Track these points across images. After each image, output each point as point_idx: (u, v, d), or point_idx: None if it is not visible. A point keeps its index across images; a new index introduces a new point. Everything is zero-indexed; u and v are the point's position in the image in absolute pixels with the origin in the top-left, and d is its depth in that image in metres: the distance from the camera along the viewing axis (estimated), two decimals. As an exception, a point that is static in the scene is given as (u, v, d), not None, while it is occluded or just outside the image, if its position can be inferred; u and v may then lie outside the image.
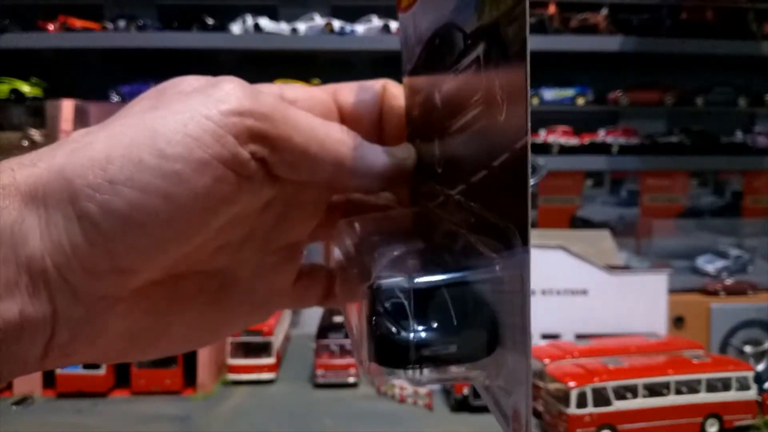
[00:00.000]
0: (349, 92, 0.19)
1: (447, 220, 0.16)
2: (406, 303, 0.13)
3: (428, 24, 0.17)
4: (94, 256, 0.14)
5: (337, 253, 0.19)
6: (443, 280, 0.14)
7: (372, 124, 0.19)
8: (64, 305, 0.14)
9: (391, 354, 0.13)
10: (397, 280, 0.13)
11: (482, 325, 0.13)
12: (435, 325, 0.13)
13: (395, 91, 0.20)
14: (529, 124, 0.11)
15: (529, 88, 0.11)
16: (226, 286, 0.19)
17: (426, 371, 0.13)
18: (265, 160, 0.15)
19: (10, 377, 0.14)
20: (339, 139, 0.17)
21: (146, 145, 0.14)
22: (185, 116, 0.14)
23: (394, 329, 0.13)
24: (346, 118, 0.19)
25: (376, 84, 0.20)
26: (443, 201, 0.17)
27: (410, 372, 0.13)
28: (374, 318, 0.13)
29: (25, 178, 0.14)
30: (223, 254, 0.18)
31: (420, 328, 0.13)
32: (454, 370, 0.14)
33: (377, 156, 0.18)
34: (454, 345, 0.13)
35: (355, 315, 0.16)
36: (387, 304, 0.13)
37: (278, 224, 0.19)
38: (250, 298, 0.20)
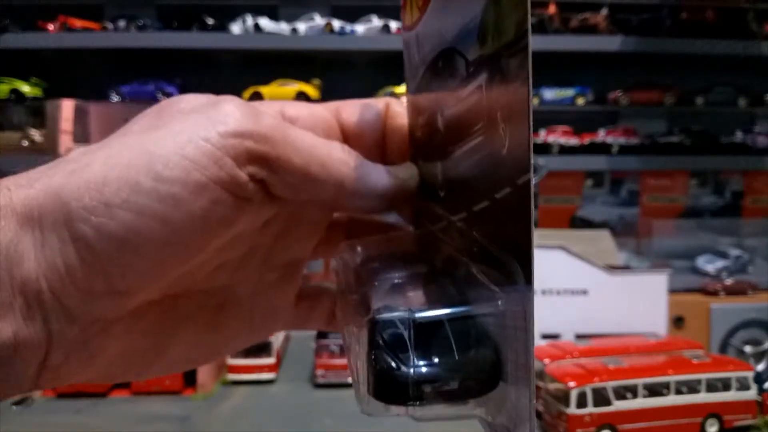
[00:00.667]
0: (351, 110, 0.19)
1: (449, 246, 0.16)
2: (406, 337, 0.13)
3: (431, 46, 0.16)
4: (89, 279, 0.13)
5: (337, 277, 0.19)
6: (445, 314, 0.13)
7: (375, 143, 0.19)
8: (58, 327, 0.14)
9: (391, 389, 0.13)
10: (398, 314, 0.13)
11: (485, 360, 0.13)
12: (436, 359, 0.13)
13: (398, 110, 0.19)
14: (532, 161, 0.11)
15: (531, 124, 0.11)
16: (225, 305, 0.18)
17: (427, 407, 0.13)
18: (265, 181, 0.15)
19: (3, 397, 0.14)
20: (340, 159, 0.17)
21: (143, 167, 0.14)
22: (183, 138, 0.14)
23: (394, 364, 0.13)
24: (348, 136, 0.19)
25: (380, 102, 0.19)
26: (446, 226, 0.16)
27: (410, 408, 0.13)
28: (374, 352, 0.13)
29: (22, 199, 0.13)
30: (222, 273, 0.18)
31: (421, 362, 0.13)
32: (456, 406, 0.13)
33: (379, 176, 0.17)
34: (455, 380, 0.13)
35: (353, 345, 0.15)
36: (387, 338, 0.13)
37: (278, 242, 0.19)
38: (250, 317, 0.19)
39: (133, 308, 0.15)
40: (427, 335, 0.13)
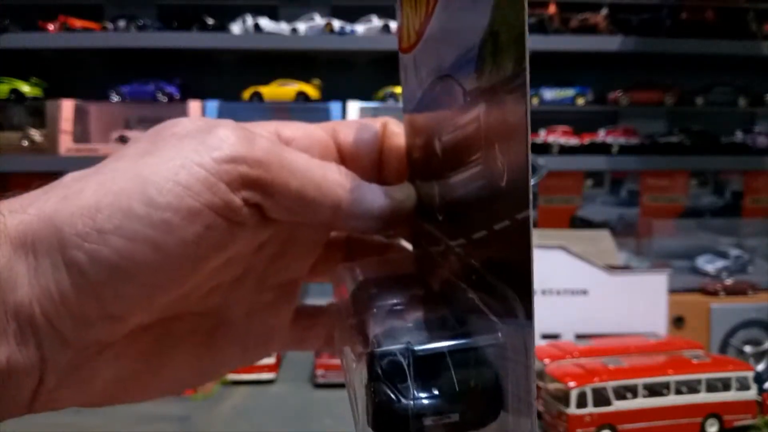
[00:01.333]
0: (348, 130, 0.19)
1: (447, 269, 0.16)
2: (406, 369, 0.13)
3: (428, 71, 0.16)
4: (82, 304, 0.13)
5: (335, 299, 0.19)
6: (445, 346, 0.13)
7: (371, 163, 0.19)
8: (52, 352, 0.14)
9: (391, 422, 0.13)
10: (397, 347, 0.13)
11: (485, 392, 0.13)
12: (436, 391, 0.13)
13: (396, 130, 0.19)
14: (531, 197, 0.11)
15: (530, 158, 0.11)
16: (220, 327, 0.18)
17: None
18: (260, 205, 0.15)
19: None
20: (336, 181, 0.17)
21: (136, 193, 0.14)
22: (177, 163, 0.14)
23: (393, 396, 0.13)
24: (345, 156, 0.19)
25: (376, 122, 0.19)
26: (444, 250, 0.16)
27: None
28: (373, 384, 0.13)
29: (15, 224, 0.13)
30: (216, 294, 0.18)
31: (421, 394, 0.13)
32: None
33: (375, 198, 0.17)
34: (456, 413, 0.13)
35: (351, 375, 0.15)
36: (386, 370, 0.13)
37: (273, 263, 0.19)
38: (245, 338, 0.19)
39: (127, 332, 0.15)
40: (426, 367, 0.13)
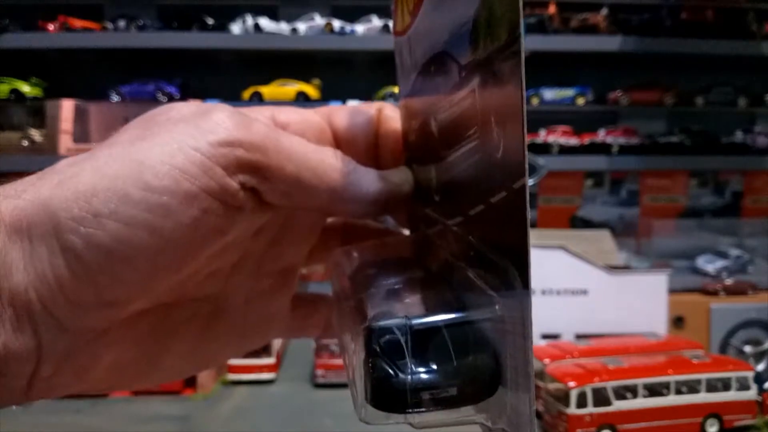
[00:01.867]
0: (343, 115, 0.19)
1: (445, 250, 0.16)
2: (404, 344, 0.13)
3: (423, 51, 0.16)
4: (79, 289, 0.13)
5: (333, 284, 0.18)
6: (442, 320, 0.13)
7: (367, 148, 0.19)
8: (48, 338, 0.14)
9: (389, 397, 0.13)
10: (394, 321, 0.13)
11: (483, 366, 0.13)
12: (434, 366, 0.13)
13: (391, 114, 0.19)
14: (528, 165, 0.11)
15: (526, 129, 0.11)
16: (218, 313, 0.18)
17: (425, 414, 0.13)
18: (256, 189, 0.15)
19: None
20: (332, 165, 0.16)
21: (132, 177, 0.14)
22: (173, 147, 0.14)
23: (391, 371, 0.13)
24: (340, 141, 0.19)
25: (372, 107, 0.19)
26: (441, 230, 0.16)
27: (409, 416, 0.13)
28: (371, 360, 0.13)
29: (10, 210, 0.13)
30: (214, 280, 0.17)
31: (419, 369, 0.13)
32: (455, 412, 0.13)
33: (372, 182, 0.17)
34: (454, 387, 0.13)
35: (350, 352, 0.15)
36: (384, 345, 0.13)
37: (271, 248, 0.18)
38: (243, 325, 0.19)
39: (125, 318, 0.15)
40: (424, 342, 0.13)
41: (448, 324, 0.13)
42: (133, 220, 0.13)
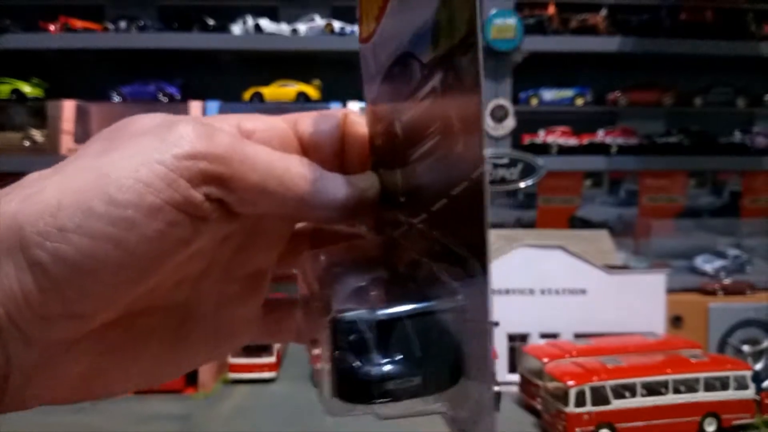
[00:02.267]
0: (309, 121, 0.19)
1: (411, 249, 0.16)
2: (367, 335, 0.13)
3: (387, 54, 0.17)
4: (46, 303, 0.13)
5: (300, 287, 0.19)
6: (405, 311, 0.13)
7: (333, 153, 0.19)
8: (17, 352, 0.14)
9: (355, 388, 0.13)
10: (358, 313, 0.13)
11: (446, 356, 0.13)
12: (398, 357, 0.13)
13: (356, 119, 0.19)
14: (485, 153, 0.11)
15: (483, 117, 0.11)
16: (187, 320, 0.18)
17: (391, 405, 0.13)
18: (222, 199, 0.15)
19: None
20: (298, 173, 0.16)
21: (96, 191, 0.14)
22: (137, 160, 0.14)
23: (356, 363, 0.13)
24: (307, 148, 0.19)
25: (337, 113, 0.19)
26: (407, 230, 0.17)
27: (374, 407, 0.13)
28: (336, 352, 0.13)
29: None
30: (182, 288, 0.18)
31: (383, 360, 0.13)
32: (419, 402, 0.13)
33: (338, 188, 0.17)
34: (418, 377, 0.13)
35: (319, 349, 0.15)
36: (349, 337, 0.13)
37: (239, 254, 0.19)
38: (214, 330, 0.19)
39: (94, 329, 0.15)
40: (388, 333, 0.13)
41: (411, 314, 0.13)
42: (97, 233, 0.13)
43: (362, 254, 0.19)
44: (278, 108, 1.31)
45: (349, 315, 0.13)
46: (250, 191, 0.16)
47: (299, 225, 0.21)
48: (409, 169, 0.16)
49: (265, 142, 0.17)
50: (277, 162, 0.16)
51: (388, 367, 0.13)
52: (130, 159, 0.14)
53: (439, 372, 0.13)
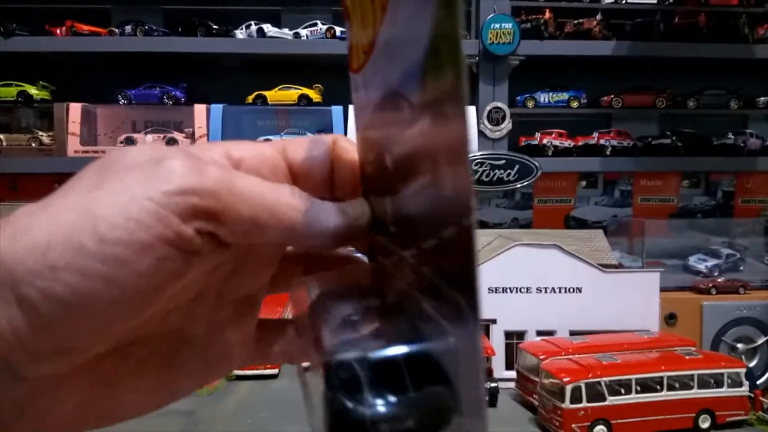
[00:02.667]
0: (298, 148, 0.19)
1: (401, 280, 0.16)
2: (361, 377, 0.13)
3: (377, 88, 0.17)
4: (36, 340, 0.13)
5: (293, 316, 0.18)
6: (400, 354, 0.13)
7: (323, 180, 0.19)
8: (7, 387, 0.14)
9: (348, 430, 0.13)
10: (353, 355, 0.13)
11: (440, 397, 0.13)
12: (392, 398, 0.13)
13: (346, 146, 0.19)
14: (474, 202, 0.11)
15: (471, 168, 0.11)
16: (180, 347, 0.18)
17: None
18: (213, 233, 0.15)
19: None
20: (288, 203, 0.16)
21: (86, 229, 0.14)
22: (126, 197, 0.14)
23: (350, 404, 0.13)
24: (296, 174, 0.19)
25: (327, 139, 0.19)
26: (397, 261, 0.17)
27: None
28: (330, 393, 0.13)
29: None
30: (174, 316, 0.18)
31: (377, 401, 0.13)
32: None
33: (330, 217, 0.17)
34: (411, 419, 0.13)
35: (309, 383, 0.15)
36: (343, 379, 0.13)
37: (230, 279, 0.19)
38: (206, 355, 0.19)
39: (86, 361, 0.15)
40: (382, 374, 0.13)
41: (405, 357, 0.13)
42: (89, 271, 0.13)
43: (352, 281, 0.19)
44: (280, 110, 1.33)
45: (343, 357, 0.13)
46: (241, 224, 0.15)
47: (290, 248, 0.21)
48: (399, 202, 0.16)
49: (254, 169, 0.17)
50: (268, 193, 0.16)
51: (381, 409, 0.13)
52: (120, 195, 0.14)
53: (433, 413, 0.13)
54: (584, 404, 0.89)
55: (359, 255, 0.21)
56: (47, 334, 0.13)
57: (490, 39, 1.24)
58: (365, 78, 0.18)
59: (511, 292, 1.10)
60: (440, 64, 0.12)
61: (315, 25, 1.30)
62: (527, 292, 1.10)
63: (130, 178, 0.15)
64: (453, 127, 0.12)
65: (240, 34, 1.30)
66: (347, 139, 0.20)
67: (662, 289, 1.12)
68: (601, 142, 1.33)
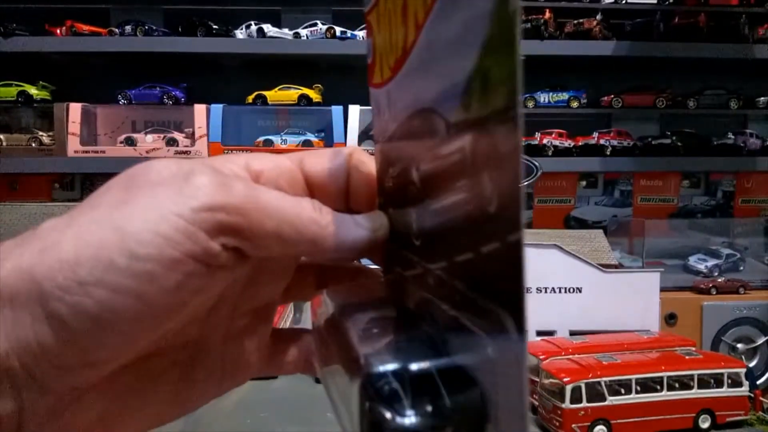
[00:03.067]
0: (315, 160, 0.19)
1: (424, 291, 0.16)
2: (399, 387, 0.13)
3: (405, 104, 0.17)
4: (63, 354, 0.14)
5: (313, 331, 0.19)
6: (437, 365, 0.13)
7: (339, 192, 0.19)
8: (31, 400, 0.14)
9: None
10: (389, 366, 0.13)
11: (476, 405, 0.13)
12: (429, 408, 0.13)
13: (363, 158, 0.20)
14: (523, 221, 0.11)
15: (522, 186, 0.11)
16: (197, 357, 0.19)
17: None
18: (238, 247, 0.15)
19: None
20: (311, 218, 0.17)
21: (116, 245, 0.14)
22: (155, 214, 0.14)
23: (388, 415, 0.13)
24: (313, 186, 0.19)
25: (344, 151, 0.20)
26: (421, 273, 0.17)
27: None
28: (368, 403, 0.13)
29: None
30: (192, 327, 0.18)
31: (414, 412, 0.13)
32: None
33: (350, 230, 0.18)
34: (450, 427, 0.13)
35: (340, 394, 0.15)
36: (381, 389, 0.13)
37: (247, 290, 0.19)
38: (222, 365, 0.19)
39: (106, 374, 0.15)
40: (419, 385, 0.13)
41: (442, 367, 0.14)
42: (119, 287, 0.14)
43: (372, 293, 0.19)
44: (280, 110, 1.33)
45: (380, 368, 0.13)
46: (266, 238, 0.16)
47: (303, 258, 0.21)
48: (427, 215, 0.16)
49: (273, 181, 0.18)
50: (290, 208, 0.16)
51: (418, 419, 0.13)
52: (149, 212, 0.14)
53: (469, 422, 0.13)
54: (584, 404, 0.89)
55: (373, 266, 0.21)
56: (74, 348, 0.14)
57: (490, 39, 1.24)
58: (389, 93, 0.18)
59: (511, 292, 1.10)
60: (489, 88, 0.12)
61: (315, 25, 1.30)
62: (527, 292, 1.10)
63: (158, 194, 0.15)
64: (501, 146, 0.11)
65: (240, 34, 1.30)
66: (363, 152, 0.20)
67: (662, 289, 1.12)
68: (601, 142, 1.33)
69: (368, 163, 0.20)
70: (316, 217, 0.17)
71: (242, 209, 0.15)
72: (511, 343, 0.12)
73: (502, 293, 0.12)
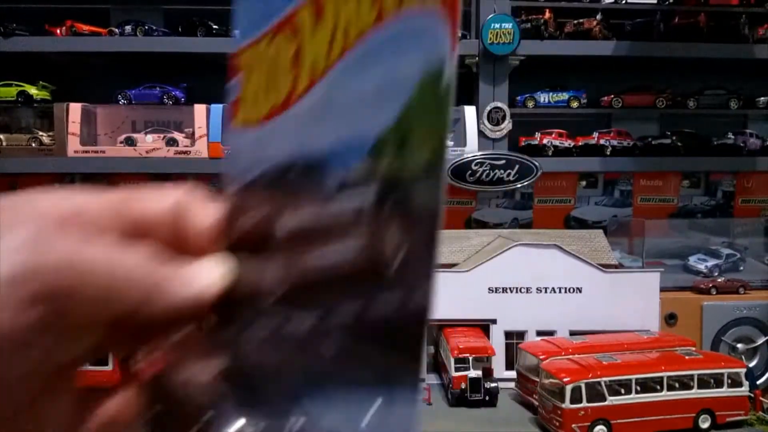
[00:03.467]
0: (144, 199, 0.17)
1: (279, 343, 0.15)
2: None
3: (277, 151, 0.16)
4: None
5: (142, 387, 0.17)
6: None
7: (171, 234, 0.17)
8: None
9: None
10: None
11: None
12: None
13: (196, 199, 0.18)
14: (434, 293, 0.11)
15: (437, 251, 0.11)
16: None
17: None
18: (59, 312, 0.14)
19: None
20: (141, 273, 0.15)
21: None
22: None
23: None
24: (142, 227, 0.17)
25: (175, 191, 0.18)
26: (280, 323, 0.16)
27: None
28: None
29: None
30: None
31: None
32: None
33: (185, 282, 0.16)
34: None
35: None
36: None
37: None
38: None
39: None
40: None
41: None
42: None
43: (203, 345, 0.18)
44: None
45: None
46: (91, 299, 0.15)
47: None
48: (295, 270, 0.15)
49: (95, 219, 0.16)
50: (117, 263, 0.15)
51: None
52: None
53: None
54: (584, 404, 0.89)
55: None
56: None
57: (490, 39, 1.24)
58: (261, 139, 0.17)
59: (511, 292, 1.10)
60: (409, 144, 0.11)
61: (315, 25, 1.30)
62: (527, 292, 1.10)
63: None
64: (418, 206, 0.11)
65: (240, 33, 1.30)
66: (199, 193, 0.18)
67: (662, 289, 1.13)
68: (601, 142, 1.33)
69: (203, 204, 0.18)
70: (147, 270, 0.16)
71: (61, 271, 0.14)
72: (402, 389, 0.11)
73: (391, 355, 0.12)
